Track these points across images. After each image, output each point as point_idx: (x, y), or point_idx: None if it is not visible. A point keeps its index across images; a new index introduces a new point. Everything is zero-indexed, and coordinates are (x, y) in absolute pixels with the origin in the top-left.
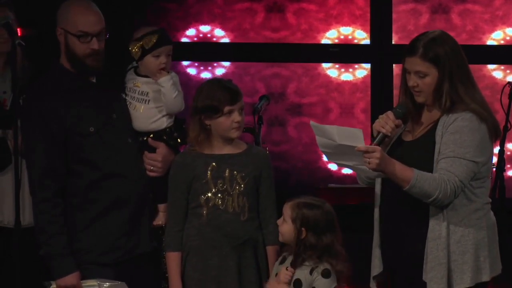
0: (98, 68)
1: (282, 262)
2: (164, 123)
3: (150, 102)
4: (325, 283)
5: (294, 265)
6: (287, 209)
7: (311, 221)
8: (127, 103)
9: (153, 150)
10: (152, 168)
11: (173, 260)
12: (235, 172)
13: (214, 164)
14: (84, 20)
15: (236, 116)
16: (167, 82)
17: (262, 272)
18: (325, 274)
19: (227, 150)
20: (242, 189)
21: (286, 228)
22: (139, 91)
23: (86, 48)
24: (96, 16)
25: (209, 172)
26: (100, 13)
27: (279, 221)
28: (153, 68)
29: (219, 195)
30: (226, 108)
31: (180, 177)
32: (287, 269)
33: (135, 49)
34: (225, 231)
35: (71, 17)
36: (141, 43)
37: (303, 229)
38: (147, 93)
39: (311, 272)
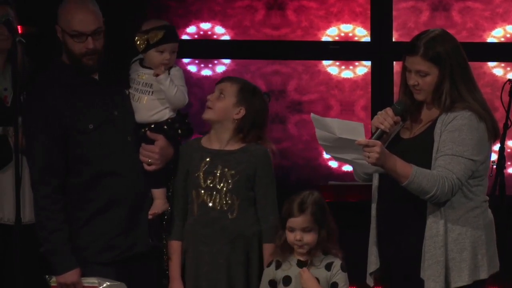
0: (94, 67)
1: (269, 266)
2: (166, 114)
3: (154, 94)
4: (345, 276)
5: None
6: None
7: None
8: (130, 95)
9: (151, 143)
10: (149, 160)
11: (173, 248)
12: (226, 169)
13: (208, 159)
14: (78, 19)
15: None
16: (164, 80)
17: (252, 270)
18: (344, 268)
19: (225, 146)
20: (230, 186)
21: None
22: (143, 82)
23: (82, 48)
24: (91, 16)
25: (201, 167)
26: (97, 12)
27: None
28: (156, 62)
29: (208, 191)
30: None
31: (180, 166)
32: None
33: (140, 41)
34: (214, 228)
35: (66, 16)
36: (146, 36)
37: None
38: (151, 85)
39: (327, 268)
